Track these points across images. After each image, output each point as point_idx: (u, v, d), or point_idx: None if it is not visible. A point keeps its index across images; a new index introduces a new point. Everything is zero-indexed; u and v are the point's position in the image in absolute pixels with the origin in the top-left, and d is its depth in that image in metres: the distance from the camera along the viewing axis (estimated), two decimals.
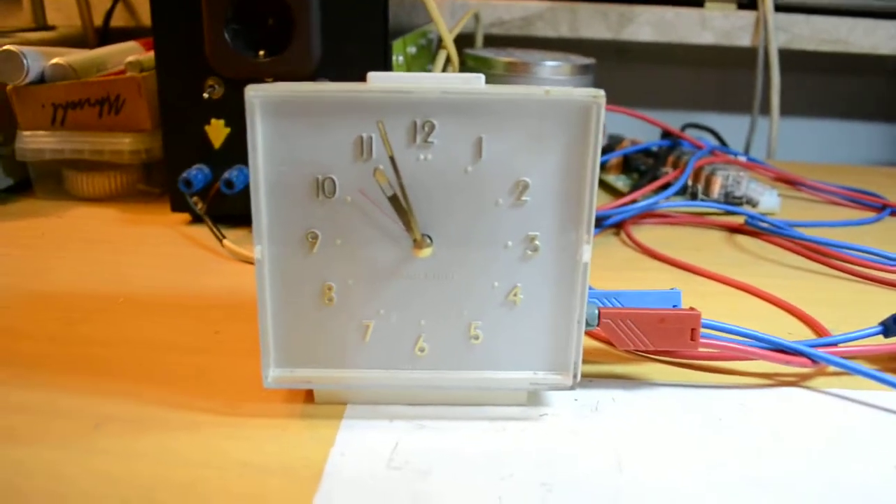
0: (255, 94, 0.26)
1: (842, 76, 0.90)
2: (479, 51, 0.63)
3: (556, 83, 0.58)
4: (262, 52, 0.47)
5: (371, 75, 0.26)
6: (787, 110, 0.88)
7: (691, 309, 0.31)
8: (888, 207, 0.60)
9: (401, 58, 0.50)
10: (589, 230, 0.27)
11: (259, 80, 0.46)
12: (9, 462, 0.26)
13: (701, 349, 0.31)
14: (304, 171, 0.27)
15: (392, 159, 0.26)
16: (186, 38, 0.47)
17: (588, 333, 0.34)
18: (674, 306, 0.32)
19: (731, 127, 0.88)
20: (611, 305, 0.32)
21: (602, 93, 0.26)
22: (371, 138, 0.26)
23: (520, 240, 0.28)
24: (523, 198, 0.27)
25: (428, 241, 0.27)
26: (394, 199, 0.27)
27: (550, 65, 0.57)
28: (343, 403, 0.30)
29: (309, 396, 0.30)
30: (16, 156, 0.54)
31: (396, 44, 0.49)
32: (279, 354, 0.29)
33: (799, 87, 0.89)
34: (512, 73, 0.57)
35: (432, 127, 0.26)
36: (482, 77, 0.26)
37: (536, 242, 0.28)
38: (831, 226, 0.56)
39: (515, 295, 0.28)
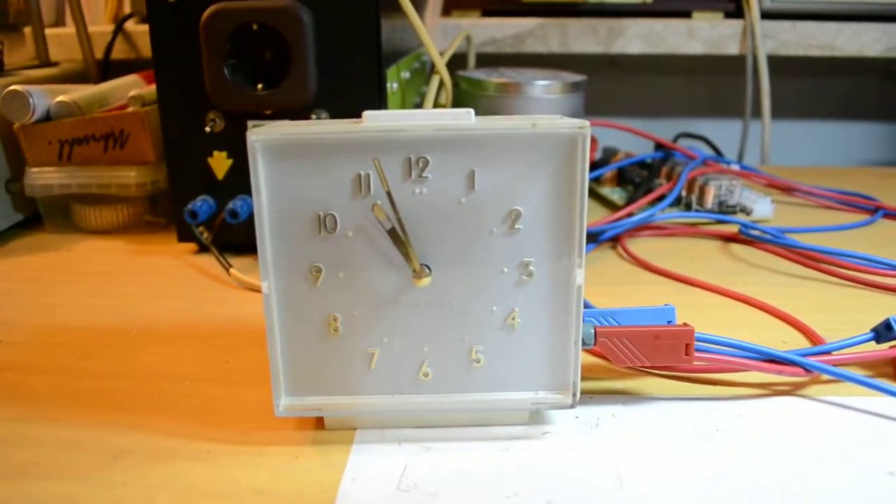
0: (257, 139, 0.27)
1: (831, 78, 0.91)
2: (472, 72, 0.64)
3: (547, 102, 0.59)
4: (260, 86, 0.48)
5: (366, 114, 0.28)
6: (778, 114, 0.89)
7: (685, 325, 0.32)
8: (881, 209, 0.61)
9: (395, 85, 0.51)
10: (581, 254, 0.28)
11: (258, 112, 0.48)
12: (32, 496, 0.27)
13: (696, 362, 0.32)
14: (307, 209, 0.28)
15: (389, 195, 0.28)
16: (187, 73, 0.48)
17: (586, 351, 0.35)
18: (668, 322, 0.33)
19: (725, 133, 0.90)
20: (607, 324, 0.33)
21: (587, 123, 0.27)
22: (369, 175, 0.28)
23: (515, 266, 0.29)
24: (516, 226, 0.28)
25: (427, 270, 0.29)
26: (392, 233, 0.28)
27: (541, 84, 0.59)
28: (352, 429, 0.31)
29: (319, 423, 0.31)
30: (25, 192, 0.56)
31: (391, 71, 0.50)
32: (289, 384, 0.30)
33: (789, 91, 0.90)
34: (504, 94, 0.59)
35: (426, 162, 0.27)
36: (472, 112, 0.28)
37: (531, 268, 0.29)
38: (825, 231, 0.57)
39: (513, 318, 0.29)
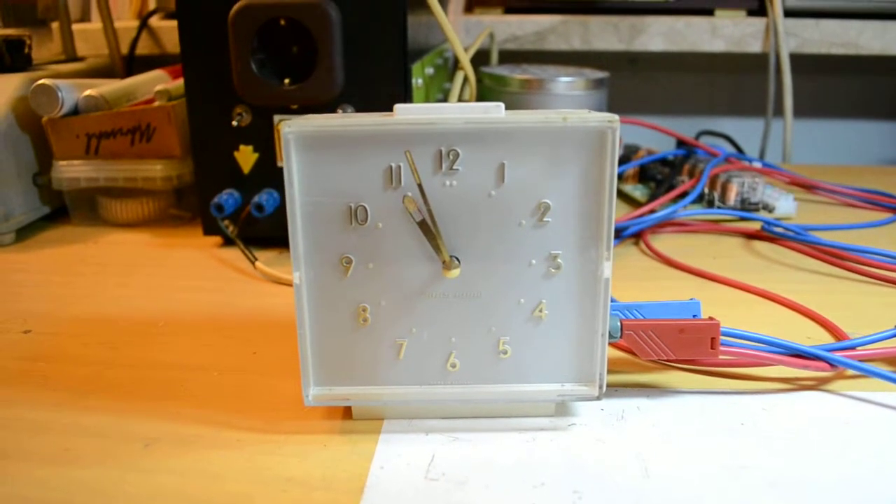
0: (290, 131, 0.27)
1: (854, 77, 0.91)
2: (495, 68, 0.64)
3: (570, 98, 0.59)
4: (287, 80, 0.48)
5: (398, 107, 0.28)
6: (801, 113, 0.88)
7: (710, 318, 0.32)
8: None
9: (420, 80, 0.52)
10: (609, 247, 0.29)
11: (285, 107, 0.48)
12: (66, 482, 0.28)
13: (721, 357, 0.32)
14: (338, 200, 0.28)
15: (420, 187, 0.28)
16: (214, 68, 0.49)
17: (612, 344, 0.35)
18: (694, 316, 0.33)
19: (746, 131, 0.89)
20: (633, 317, 0.33)
21: (616, 118, 0.27)
22: (400, 167, 0.28)
23: (543, 258, 0.29)
24: (545, 219, 0.29)
25: (456, 262, 0.29)
26: (422, 224, 0.28)
27: (565, 81, 0.59)
28: (380, 419, 0.31)
29: (347, 413, 0.32)
30: (52, 185, 0.57)
31: (415, 67, 0.51)
32: (318, 374, 0.30)
33: (812, 89, 0.90)
34: (527, 90, 0.59)
35: (457, 155, 0.28)
36: (502, 105, 0.28)
37: (559, 260, 0.29)
38: (847, 228, 0.57)
39: (541, 311, 0.30)
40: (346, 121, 0.28)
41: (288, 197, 0.28)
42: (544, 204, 0.28)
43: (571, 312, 0.30)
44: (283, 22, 0.47)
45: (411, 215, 0.28)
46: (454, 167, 0.28)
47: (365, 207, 0.28)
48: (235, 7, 0.47)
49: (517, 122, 0.27)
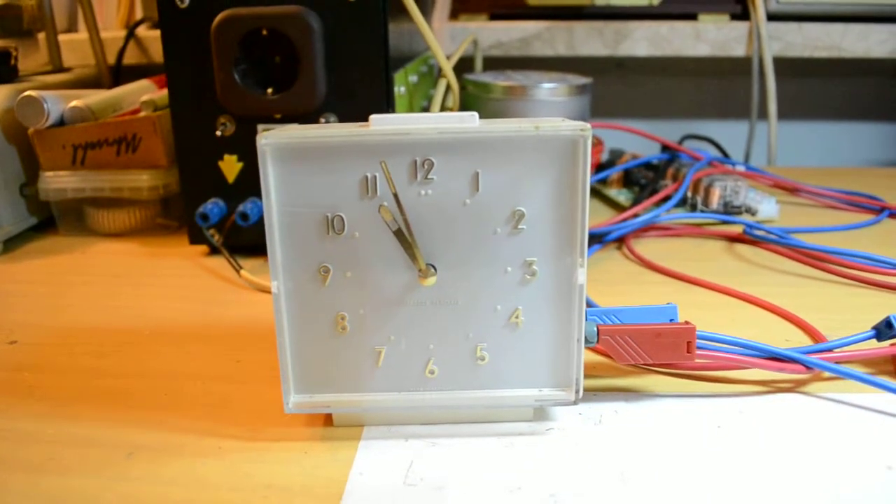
0: (267, 142, 0.28)
1: (837, 79, 0.91)
2: (479, 76, 0.65)
3: (553, 104, 0.60)
4: (270, 90, 0.49)
5: (373, 118, 0.28)
6: (785, 115, 0.89)
7: (686, 323, 0.33)
8: (886, 209, 0.61)
9: (402, 88, 0.52)
10: (583, 253, 0.29)
11: (268, 116, 0.48)
12: (50, 491, 0.28)
13: (698, 360, 0.33)
14: (315, 211, 0.29)
15: (395, 196, 0.28)
16: (198, 79, 0.49)
17: (590, 349, 0.35)
18: (671, 320, 0.34)
19: (732, 134, 0.90)
20: (610, 322, 0.33)
21: (588, 126, 0.28)
22: (375, 177, 0.28)
23: (518, 265, 0.30)
24: (520, 226, 0.29)
25: (432, 270, 0.29)
26: (398, 234, 0.29)
27: (548, 87, 0.59)
28: (360, 425, 0.32)
29: (328, 420, 0.32)
30: (39, 196, 0.57)
31: (398, 75, 0.51)
32: (298, 381, 0.31)
33: (796, 92, 0.90)
34: (510, 97, 0.59)
35: (431, 165, 0.28)
36: (475, 115, 0.28)
37: (534, 267, 0.29)
38: (829, 231, 0.57)
39: (517, 317, 0.30)
40: (322, 132, 0.28)
41: (265, 207, 0.28)
42: (519, 212, 0.29)
43: (547, 318, 0.30)
44: (265, 32, 0.47)
45: (387, 225, 0.29)
46: (429, 176, 0.28)
47: (342, 217, 0.29)
48: (218, 17, 0.47)
49: (490, 131, 0.28)
